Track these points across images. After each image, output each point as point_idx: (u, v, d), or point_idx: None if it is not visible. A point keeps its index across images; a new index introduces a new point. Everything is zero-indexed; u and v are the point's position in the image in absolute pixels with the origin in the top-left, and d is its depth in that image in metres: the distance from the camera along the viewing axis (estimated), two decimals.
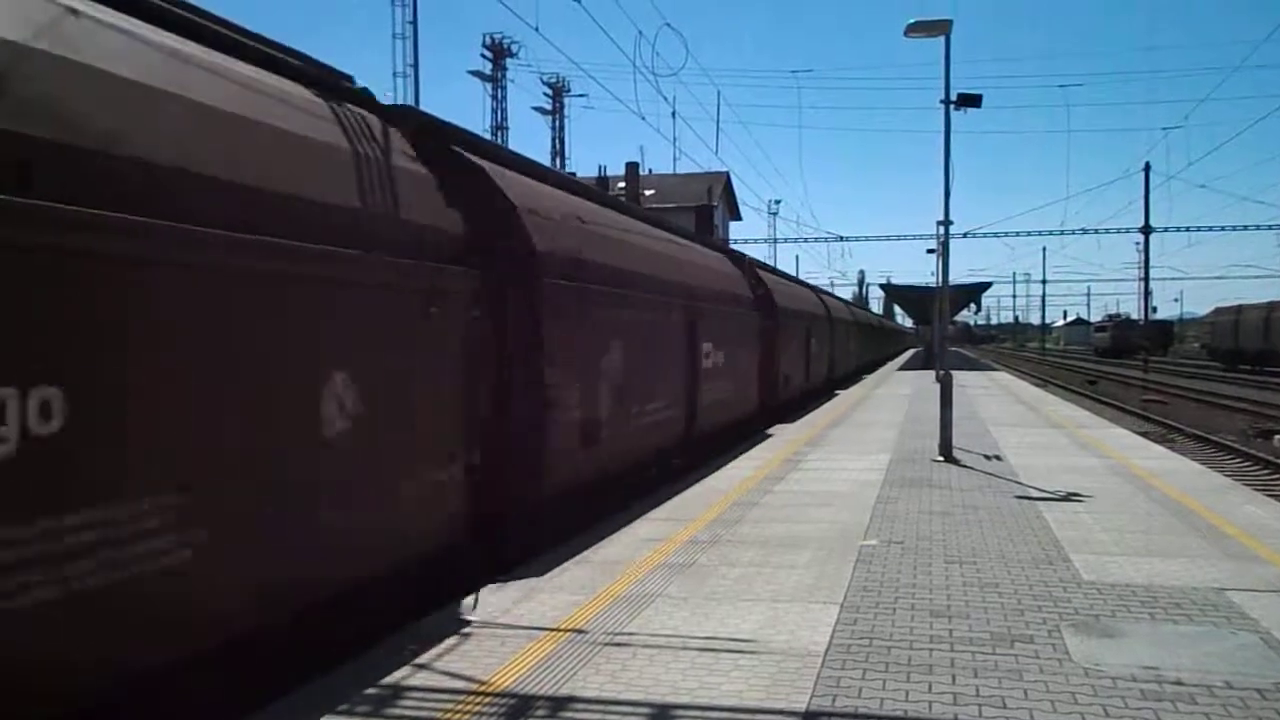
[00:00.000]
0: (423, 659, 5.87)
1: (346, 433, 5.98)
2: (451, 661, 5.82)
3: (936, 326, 16.13)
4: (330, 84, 7.01)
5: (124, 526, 4.39)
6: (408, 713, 5.12)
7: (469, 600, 7.11)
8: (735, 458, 15.51)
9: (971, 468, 13.95)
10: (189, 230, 4.74)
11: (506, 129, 42.76)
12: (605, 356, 10.56)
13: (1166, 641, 6.12)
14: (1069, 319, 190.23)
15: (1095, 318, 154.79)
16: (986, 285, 22.52)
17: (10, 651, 3.94)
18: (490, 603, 7.11)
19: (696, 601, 7.09)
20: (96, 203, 4.30)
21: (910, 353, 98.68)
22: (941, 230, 15.43)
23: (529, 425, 8.62)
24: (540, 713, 5.04)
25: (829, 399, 27.94)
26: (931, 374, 34.06)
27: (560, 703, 5.17)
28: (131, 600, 4.42)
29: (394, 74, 39.91)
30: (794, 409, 23.89)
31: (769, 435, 18.57)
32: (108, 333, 4.37)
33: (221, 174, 5.09)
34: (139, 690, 4.59)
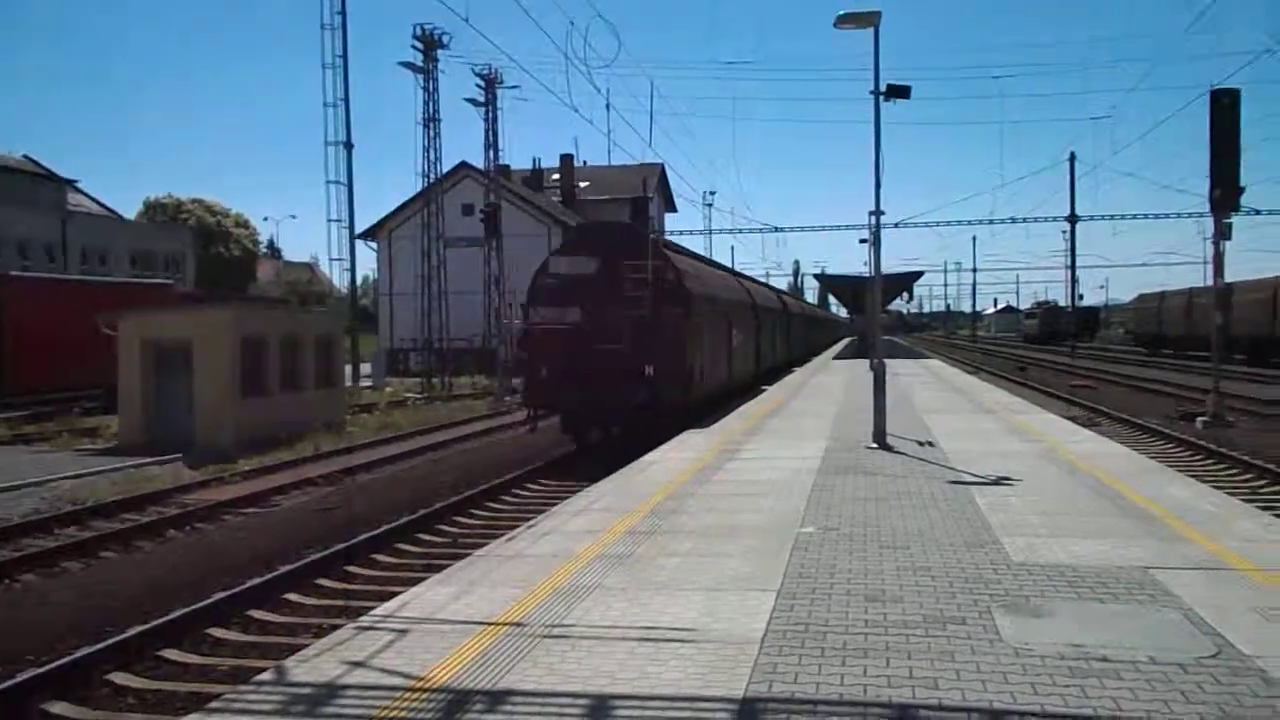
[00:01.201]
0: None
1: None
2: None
3: (870, 315, 16.26)
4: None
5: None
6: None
7: None
8: (666, 449, 15.59)
9: (905, 454, 14.15)
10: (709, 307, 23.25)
11: (439, 120, 42.40)
12: (716, 338, 23.76)
13: (1093, 620, 6.27)
14: (999, 307, 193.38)
15: (1025, 305, 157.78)
16: (919, 274, 23.04)
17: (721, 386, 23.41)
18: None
19: (634, 591, 7.11)
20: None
21: (845, 341, 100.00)
22: (873, 220, 15.60)
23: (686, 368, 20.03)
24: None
25: (754, 396, 26.35)
26: (866, 362, 34.32)
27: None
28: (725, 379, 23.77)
29: (323, 65, 39.35)
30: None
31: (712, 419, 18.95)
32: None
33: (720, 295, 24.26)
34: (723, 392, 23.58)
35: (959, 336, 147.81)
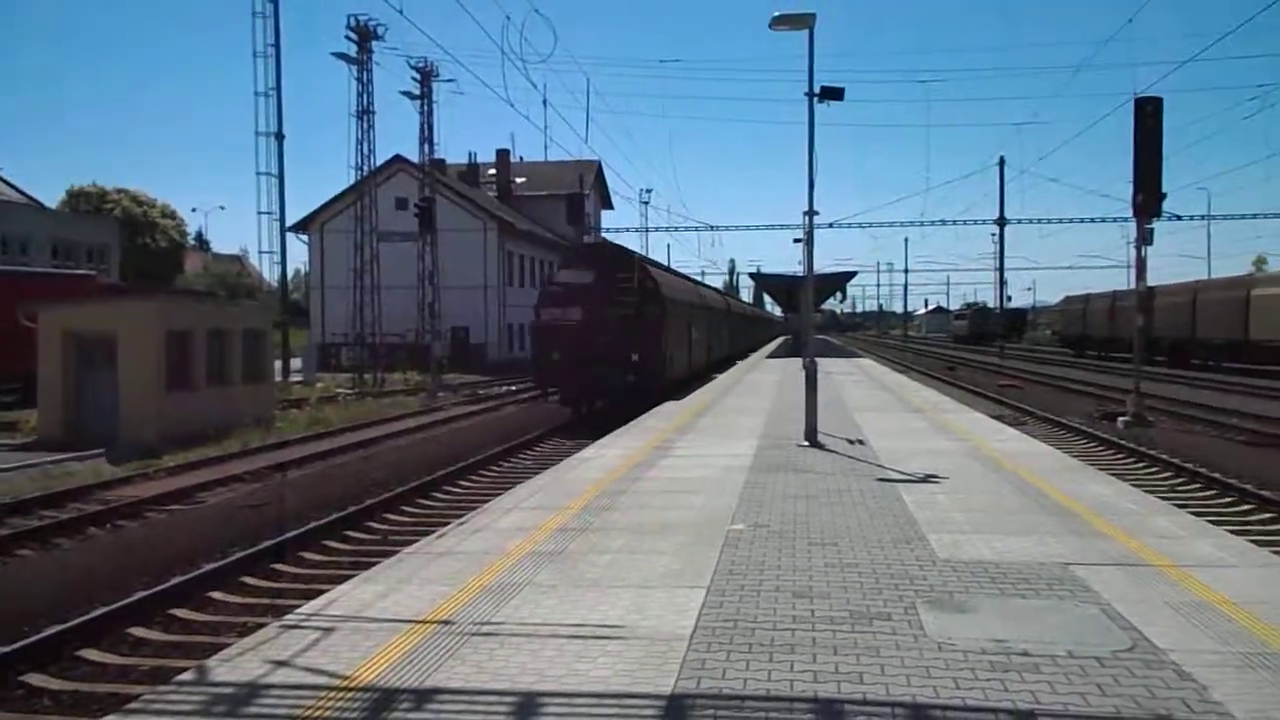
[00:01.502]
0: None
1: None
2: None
3: (804, 314, 16.47)
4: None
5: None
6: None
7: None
8: (602, 445, 15.62)
9: (836, 452, 14.32)
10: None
11: (373, 113, 41.90)
12: (681, 333, 29.89)
13: (1015, 615, 6.40)
14: (930, 307, 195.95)
15: (955, 306, 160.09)
16: (852, 274, 23.37)
17: (684, 371, 30.31)
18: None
19: (565, 589, 7.11)
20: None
21: (779, 340, 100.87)
22: (807, 221, 15.73)
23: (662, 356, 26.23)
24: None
25: (708, 381, 32.54)
26: (799, 361, 34.79)
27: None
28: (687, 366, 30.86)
29: (254, 54, 38.69)
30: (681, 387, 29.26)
31: (651, 412, 19.89)
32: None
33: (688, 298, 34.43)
34: (686, 376, 30.30)
35: (891, 336, 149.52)
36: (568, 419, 25.95)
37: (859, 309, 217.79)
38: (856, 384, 30.16)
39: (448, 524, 10.23)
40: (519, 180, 74.51)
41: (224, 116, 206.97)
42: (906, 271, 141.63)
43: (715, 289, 65.74)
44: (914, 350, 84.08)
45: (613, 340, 26.60)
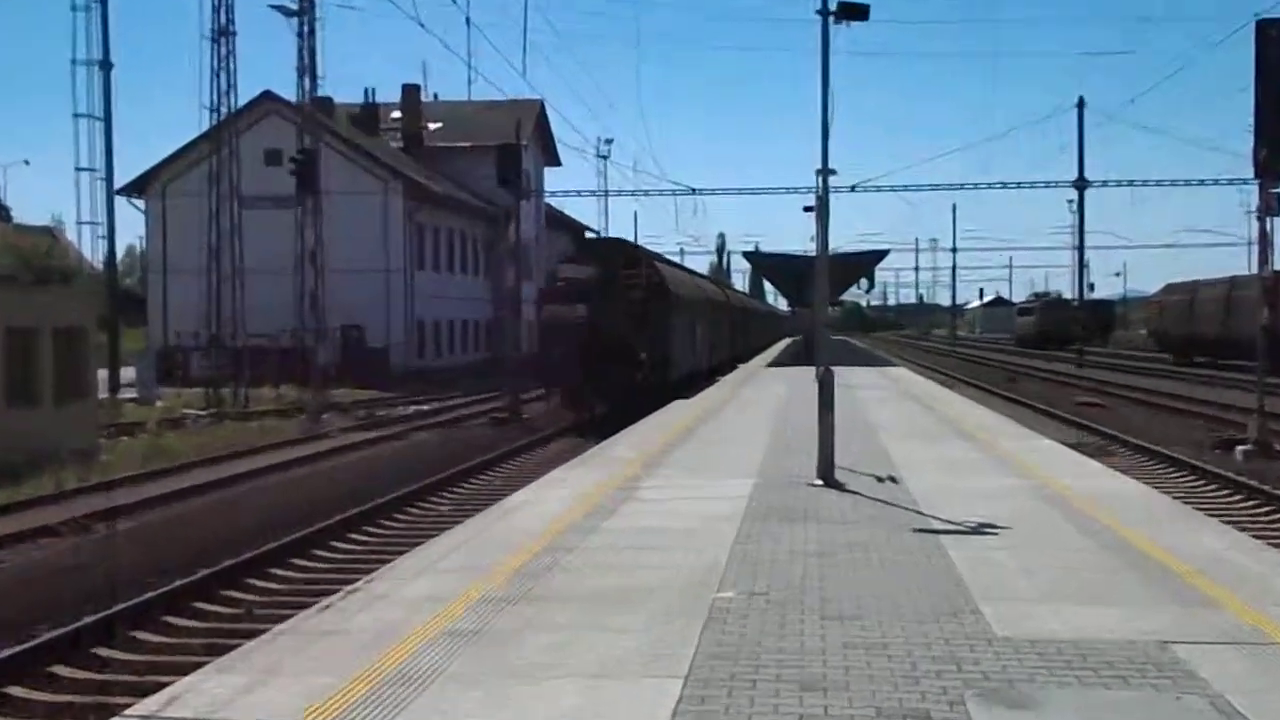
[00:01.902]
0: None
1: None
2: None
3: (817, 309, 16.47)
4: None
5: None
6: None
7: None
8: (544, 486, 15.55)
9: (859, 493, 14.33)
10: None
11: (234, 34, 41.69)
12: (689, 327, 40.73)
13: (1096, 711, 6.41)
14: (986, 299, 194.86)
15: (1019, 297, 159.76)
16: (882, 254, 23.03)
17: (693, 368, 41.84)
18: None
19: (490, 681, 7.07)
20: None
21: (785, 343, 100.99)
22: (821, 183, 15.71)
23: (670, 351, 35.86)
24: None
25: (711, 384, 40.12)
26: (810, 370, 35.22)
27: None
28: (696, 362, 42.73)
29: None
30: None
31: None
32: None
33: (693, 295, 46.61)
34: (698, 371, 42.93)
35: (935, 337, 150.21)
36: (509, 445, 28.07)
37: (892, 301, 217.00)
38: (887, 402, 30.29)
39: (335, 592, 10.15)
40: (433, 126, 74.39)
41: (28, 39, 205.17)
42: (955, 250, 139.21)
43: (705, 276, 74.09)
44: (964, 356, 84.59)
45: (620, 338, 33.89)
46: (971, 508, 13.12)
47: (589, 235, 63.30)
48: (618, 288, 34.53)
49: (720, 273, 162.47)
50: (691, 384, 38.32)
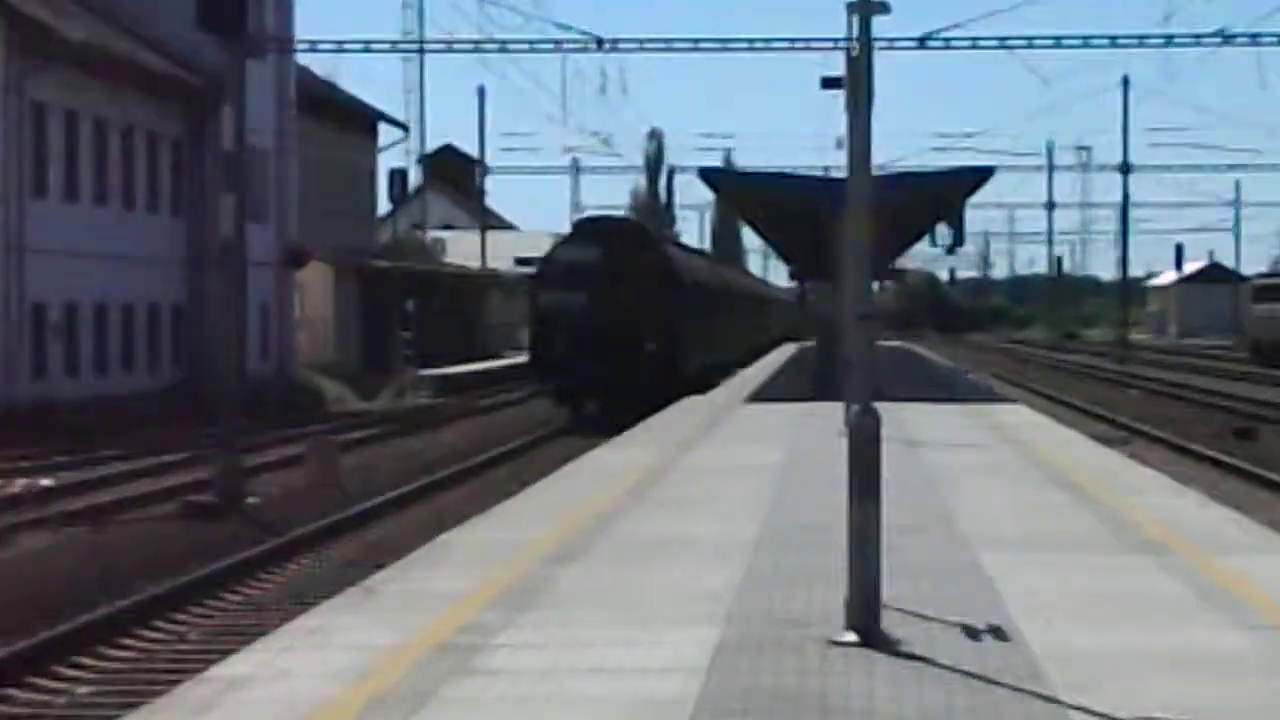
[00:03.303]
0: None
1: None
2: None
3: (845, 284, 11.10)
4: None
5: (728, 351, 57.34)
6: None
7: None
8: (282, 652, 10.33)
9: (928, 661, 9.07)
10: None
11: None
12: (705, 314, 45.90)
13: None
14: (1187, 268, 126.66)
15: (1253, 263, 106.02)
16: (979, 175, 15.44)
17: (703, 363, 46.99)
18: None
19: None
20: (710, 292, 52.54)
21: (790, 349, 67.05)
22: (858, 25, 9.20)
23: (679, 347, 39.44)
24: None
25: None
26: (832, 409, 24.15)
27: None
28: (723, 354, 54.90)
29: None
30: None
31: None
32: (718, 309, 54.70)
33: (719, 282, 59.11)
34: (741, 357, 59.85)
35: (1088, 341, 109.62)
36: (207, 565, 18.17)
37: (1002, 272, 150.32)
38: (991, 474, 21.24)
39: None
40: None
41: None
42: (1126, 171, 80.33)
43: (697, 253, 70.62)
44: (1144, 378, 59.84)
45: (626, 329, 35.16)
46: (1162, 693, 8.10)
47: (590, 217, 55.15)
48: (621, 273, 35.77)
49: (655, 210, 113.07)
50: (703, 379, 39.56)
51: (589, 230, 40.94)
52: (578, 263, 36.14)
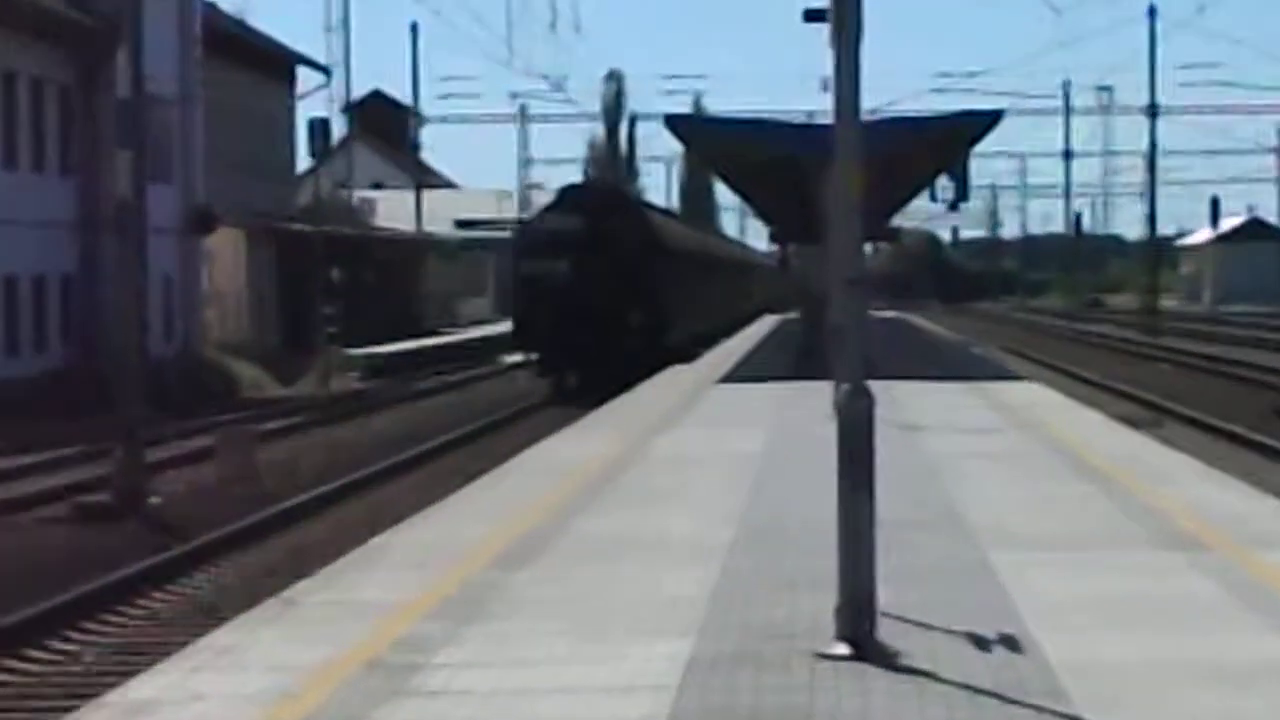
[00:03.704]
0: None
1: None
2: None
3: (830, 245, 11.59)
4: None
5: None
6: None
7: None
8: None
9: (931, 676, 9.44)
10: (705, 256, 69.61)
11: None
12: (688, 283, 52.37)
13: None
14: (1222, 224, 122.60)
15: None
16: (989, 119, 15.38)
17: (691, 332, 55.45)
18: None
19: None
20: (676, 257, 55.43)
21: (771, 322, 68.07)
22: None
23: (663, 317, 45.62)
24: None
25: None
26: (818, 389, 23.75)
27: None
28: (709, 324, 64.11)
29: None
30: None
31: None
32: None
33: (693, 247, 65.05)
34: (723, 327, 66.44)
35: (1112, 310, 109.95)
36: (94, 580, 18.00)
37: (1011, 231, 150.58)
38: (1001, 461, 21.88)
39: None
40: None
41: None
42: (1154, 113, 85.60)
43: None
44: (1174, 350, 61.80)
45: (609, 298, 38.25)
46: (1190, 706, 8.30)
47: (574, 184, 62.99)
48: (605, 241, 39.38)
49: (615, 163, 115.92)
50: (690, 348, 43.81)
51: (572, 197, 45.86)
52: (561, 231, 40.14)
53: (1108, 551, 14.24)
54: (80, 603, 16.48)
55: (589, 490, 18.22)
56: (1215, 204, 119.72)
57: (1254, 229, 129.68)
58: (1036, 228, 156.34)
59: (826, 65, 10.21)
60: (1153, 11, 79.64)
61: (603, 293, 38.51)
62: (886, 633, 9.89)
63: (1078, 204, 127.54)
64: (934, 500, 17.33)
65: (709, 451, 22.51)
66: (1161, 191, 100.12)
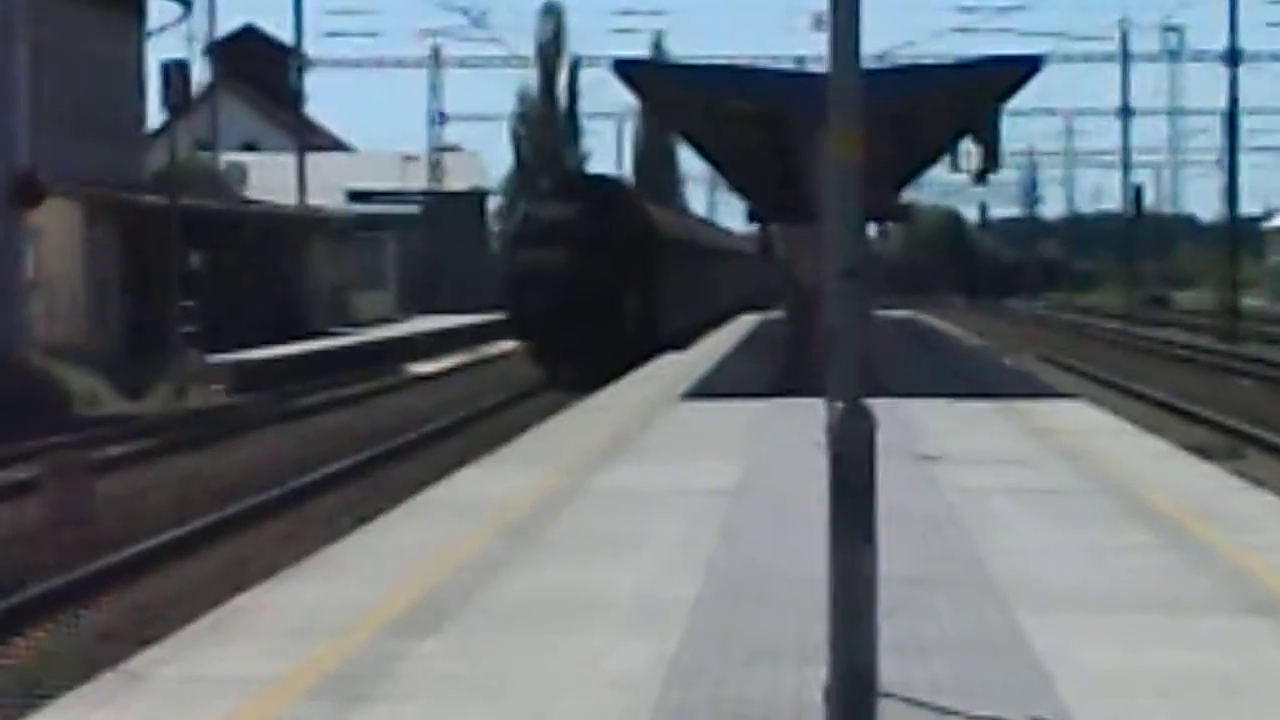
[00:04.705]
0: None
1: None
2: None
3: (826, 224, 11.44)
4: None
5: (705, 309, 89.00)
6: None
7: None
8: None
9: None
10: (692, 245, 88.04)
11: None
12: (679, 273, 69.56)
13: None
14: None
15: None
16: (1025, 68, 15.36)
17: (684, 323, 72.13)
18: None
19: None
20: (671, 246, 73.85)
21: (749, 322, 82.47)
22: None
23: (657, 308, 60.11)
24: None
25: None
26: (807, 408, 24.35)
27: None
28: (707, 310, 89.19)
29: None
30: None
31: None
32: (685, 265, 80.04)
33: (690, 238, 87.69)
34: (706, 321, 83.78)
35: (1181, 309, 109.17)
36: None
37: (1054, 211, 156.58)
38: (1036, 503, 21.98)
39: None
40: None
41: None
42: (1234, 64, 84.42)
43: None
44: (1264, 364, 60.86)
45: (604, 289, 47.44)
46: None
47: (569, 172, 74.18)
48: (599, 230, 48.94)
49: (552, 119, 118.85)
50: (682, 337, 53.97)
51: (568, 186, 59.12)
52: (556, 220, 49.71)
53: (1171, 617, 14.19)
54: None
55: (515, 535, 18.25)
56: None
57: None
58: (1086, 205, 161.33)
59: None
60: None
61: (597, 283, 47.88)
62: (890, 719, 9.98)
63: (1138, 175, 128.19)
64: (952, 550, 17.45)
65: (668, 487, 22.66)
66: (1244, 160, 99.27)
